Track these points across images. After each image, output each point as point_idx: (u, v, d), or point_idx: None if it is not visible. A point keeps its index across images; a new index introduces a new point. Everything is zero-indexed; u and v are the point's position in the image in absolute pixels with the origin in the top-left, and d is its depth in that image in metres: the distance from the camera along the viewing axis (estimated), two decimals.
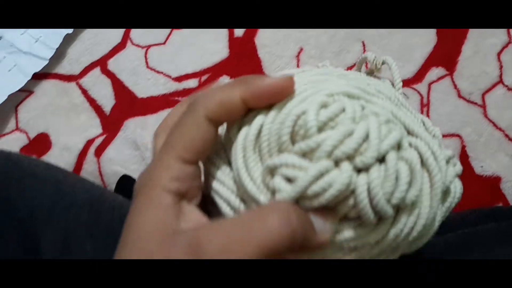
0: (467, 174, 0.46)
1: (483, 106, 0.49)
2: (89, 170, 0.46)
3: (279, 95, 0.21)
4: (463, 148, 0.47)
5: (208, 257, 0.18)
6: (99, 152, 0.47)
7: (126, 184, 0.43)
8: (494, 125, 0.48)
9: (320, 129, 0.19)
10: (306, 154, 0.19)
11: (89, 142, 0.47)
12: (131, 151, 0.47)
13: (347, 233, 0.20)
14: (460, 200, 0.23)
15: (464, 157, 0.47)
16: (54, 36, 0.51)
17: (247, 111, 0.22)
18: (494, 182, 0.46)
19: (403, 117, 0.22)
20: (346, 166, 0.19)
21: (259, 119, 0.21)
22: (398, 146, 0.20)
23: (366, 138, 0.19)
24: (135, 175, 0.45)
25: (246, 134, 0.21)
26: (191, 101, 0.22)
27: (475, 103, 0.49)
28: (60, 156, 0.46)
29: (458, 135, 0.48)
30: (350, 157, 0.19)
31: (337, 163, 0.19)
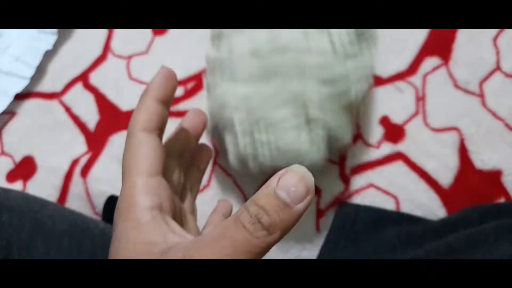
0: (467, 169, 0.44)
1: (481, 95, 0.46)
2: (76, 192, 0.45)
3: (170, 87, 0.24)
4: (461, 141, 0.45)
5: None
6: (85, 171, 0.46)
7: (113, 205, 0.42)
8: (494, 114, 0.45)
9: None
10: None
11: (74, 162, 0.46)
12: (117, 168, 0.46)
13: None
14: None
15: (463, 151, 0.45)
16: (33, 53, 0.50)
17: None
18: (495, 176, 0.43)
19: None
20: None
21: None
22: None
23: None
24: None
25: None
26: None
27: (473, 93, 0.47)
28: (46, 179, 0.46)
29: (456, 128, 0.45)
30: None
31: None
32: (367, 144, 0.46)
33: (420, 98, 0.47)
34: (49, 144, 0.47)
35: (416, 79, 0.48)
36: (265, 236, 0.18)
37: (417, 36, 0.49)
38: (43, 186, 0.46)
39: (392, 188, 0.44)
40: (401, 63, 0.49)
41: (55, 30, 0.50)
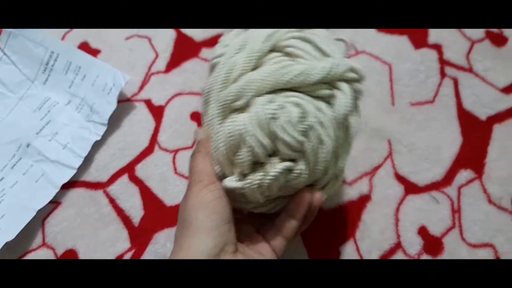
0: None
1: None
2: None
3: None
4: (497, 259, 0.47)
5: None
6: None
7: None
8: None
9: None
10: None
11: (118, 259, 0.46)
12: None
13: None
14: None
15: None
16: (82, 143, 0.51)
17: None
18: None
19: None
20: None
21: None
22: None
23: None
24: None
25: None
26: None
27: (506, 209, 0.49)
28: None
29: (491, 245, 0.47)
30: None
31: None
32: (406, 255, 0.47)
33: (456, 211, 0.49)
34: (92, 238, 0.47)
35: (451, 190, 0.50)
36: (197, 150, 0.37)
37: (450, 147, 0.52)
38: None
39: None
40: (436, 173, 0.51)
41: (105, 120, 0.51)
